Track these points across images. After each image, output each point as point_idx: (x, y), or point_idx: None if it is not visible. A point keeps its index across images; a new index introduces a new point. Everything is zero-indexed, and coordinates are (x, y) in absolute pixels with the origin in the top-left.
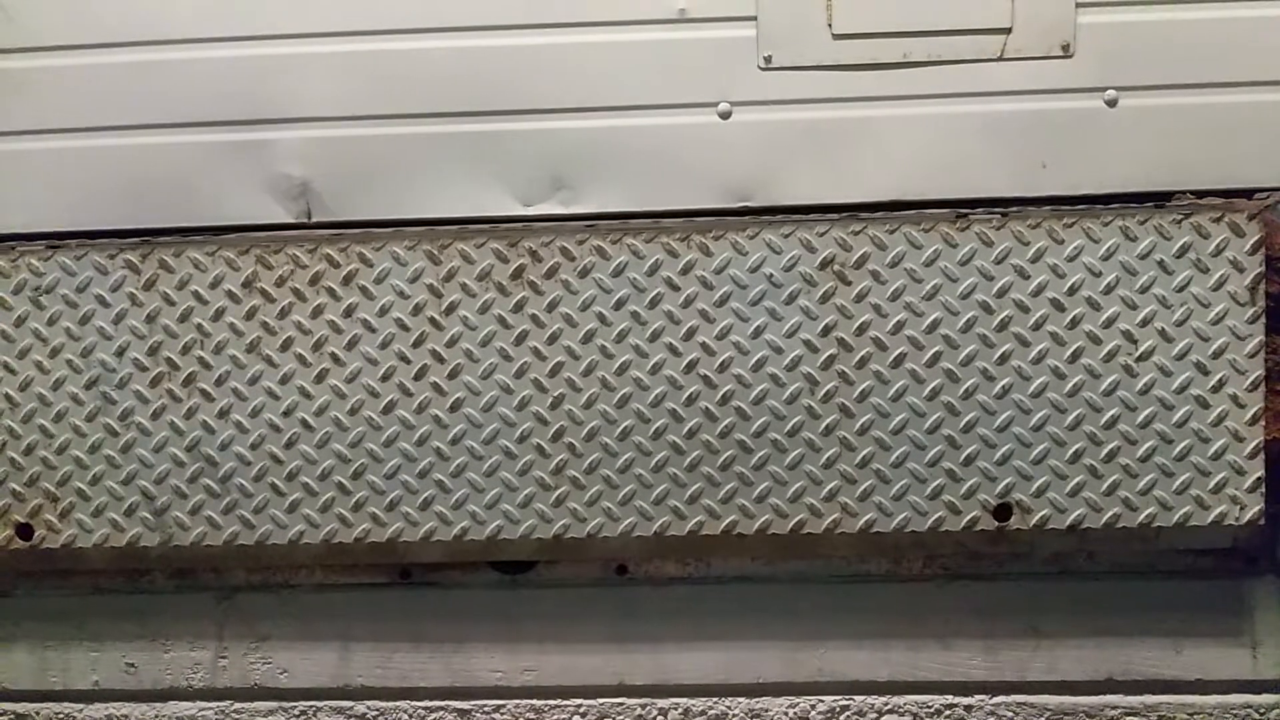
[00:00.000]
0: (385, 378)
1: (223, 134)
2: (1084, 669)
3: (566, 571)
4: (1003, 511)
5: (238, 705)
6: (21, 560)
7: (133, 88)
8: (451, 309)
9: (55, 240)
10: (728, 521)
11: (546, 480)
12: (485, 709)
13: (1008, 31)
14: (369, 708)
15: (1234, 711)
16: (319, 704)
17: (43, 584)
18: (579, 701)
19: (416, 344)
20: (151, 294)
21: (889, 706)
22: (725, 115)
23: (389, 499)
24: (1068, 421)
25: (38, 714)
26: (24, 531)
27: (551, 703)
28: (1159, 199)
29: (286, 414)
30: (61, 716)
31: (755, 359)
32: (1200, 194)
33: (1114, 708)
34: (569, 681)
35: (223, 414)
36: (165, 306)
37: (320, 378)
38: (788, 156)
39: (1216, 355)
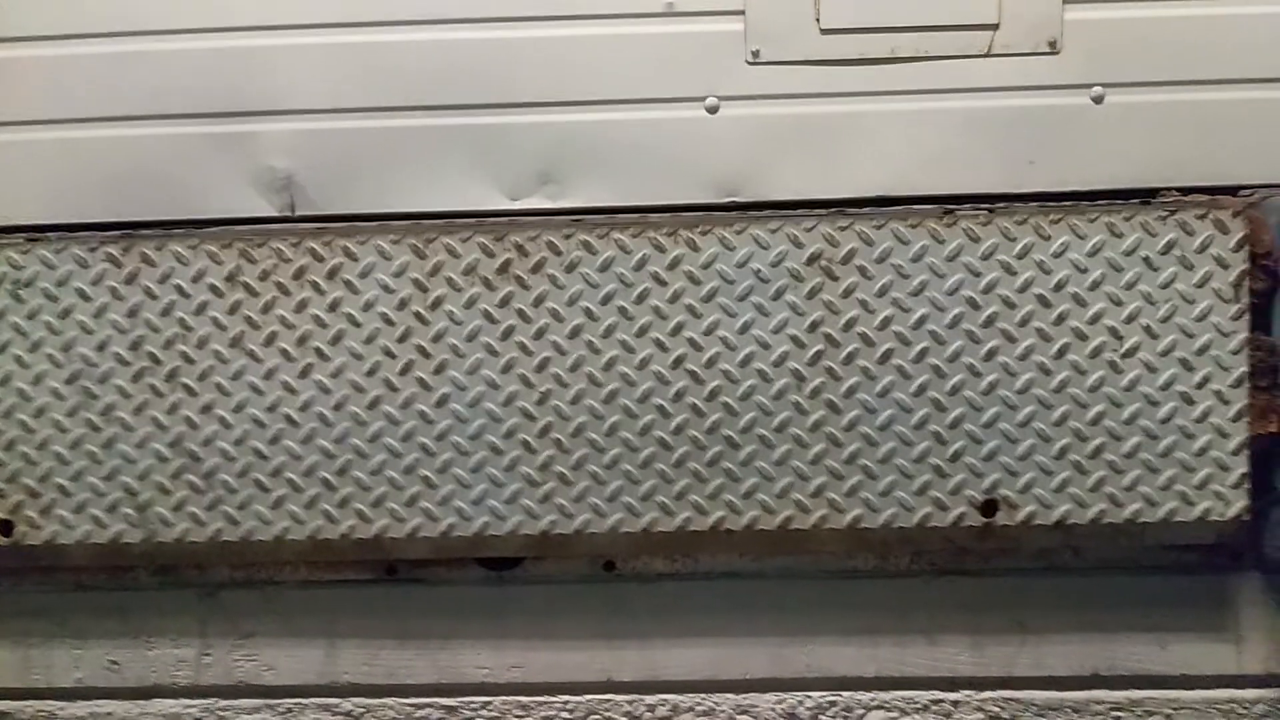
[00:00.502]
0: (370, 373)
1: (205, 126)
2: (1070, 664)
3: (553, 568)
4: (989, 507)
5: (222, 703)
6: (2, 557)
7: (114, 78)
8: (437, 303)
9: (35, 233)
10: (715, 518)
11: (533, 476)
12: (472, 705)
13: (995, 28)
14: (355, 705)
15: (1218, 706)
16: (304, 701)
17: (24, 581)
18: (566, 698)
19: (402, 339)
20: (133, 288)
21: (876, 702)
22: (713, 110)
23: (375, 495)
24: (1054, 417)
25: (20, 712)
26: (5, 528)
27: (539, 699)
28: (1145, 196)
29: (270, 409)
30: (44, 714)
31: (742, 354)
32: (1186, 191)
33: (1100, 703)
34: (556, 678)
35: (206, 409)
36: (147, 300)
37: (305, 373)
38: (775, 151)
39: (1201, 351)
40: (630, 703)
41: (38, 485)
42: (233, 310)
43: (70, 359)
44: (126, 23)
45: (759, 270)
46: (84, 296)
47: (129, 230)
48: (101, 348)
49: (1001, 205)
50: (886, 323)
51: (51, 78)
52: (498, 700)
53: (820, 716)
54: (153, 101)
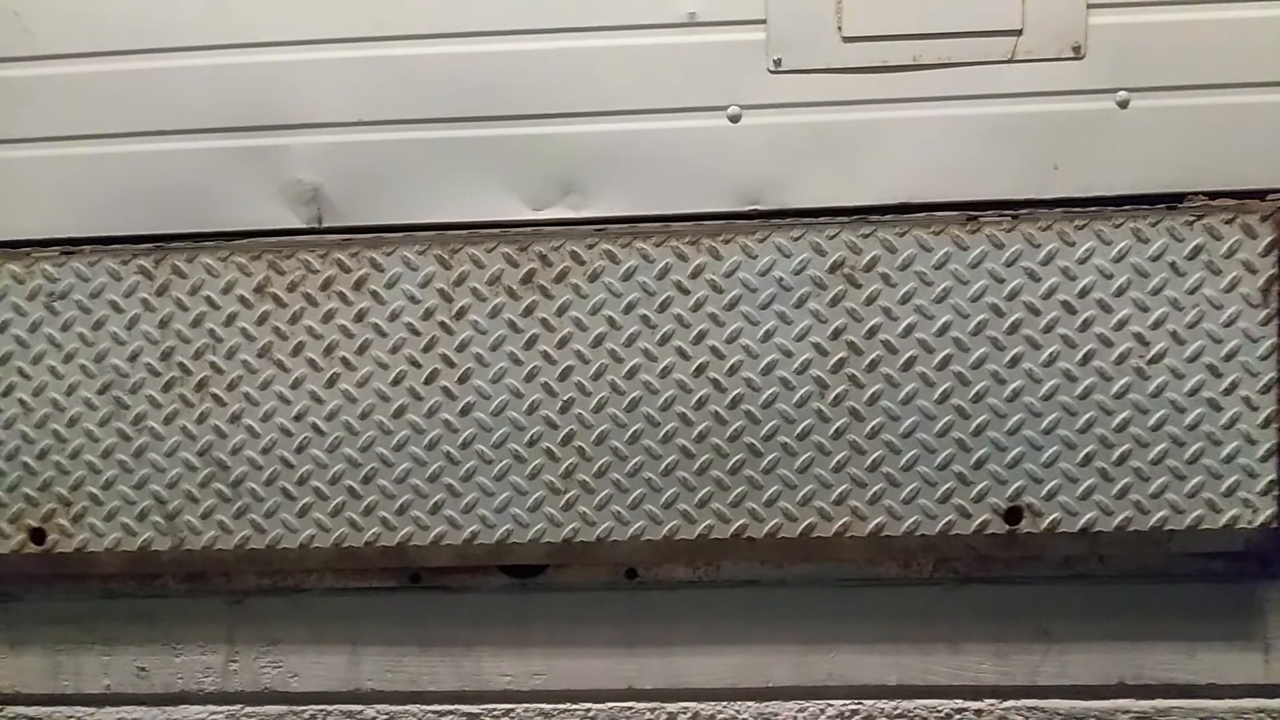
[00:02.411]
0: (396, 382)
1: (235, 140)
2: (1095, 673)
3: (576, 575)
4: (1013, 515)
5: (248, 709)
6: (34, 564)
7: (146, 94)
8: (462, 313)
9: (69, 246)
10: (737, 525)
11: (556, 484)
12: (495, 713)
13: (1018, 33)
14: (379, 711)
15: (1246, 716)
16: (329, 708)
17: (55, 588)
18: (588, 706)
19: (427, 348)
20: (164, 299)
21: (899, 711)
22: (735, 118)
23: (399, 503)
24: (1079, 424)
25: (49, 718)
26: (37, 536)
27: (561, 706)
28: (1171, 200)
29: (298, 418)
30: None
31: (765, 362)
32: (1213, 195)
33: (1125, 712)
34: (578, 685)
35: (234, 419)
36: (178, 312)
37: (331, 382)
38: (797, 159)
39: (1229, 357)
40: (652, 710)
41: (69, 494)
42: (261, 321)
43: (102, 369)
44: (155, 40)
45: (781, 278)
46: (116, 308)
47: (160, 243)
48: (133, 358)
49: (1025, 211)
50: (909, 330)
51: (83, 94)
52: (520, 708)
53: None
54: (182, 116)
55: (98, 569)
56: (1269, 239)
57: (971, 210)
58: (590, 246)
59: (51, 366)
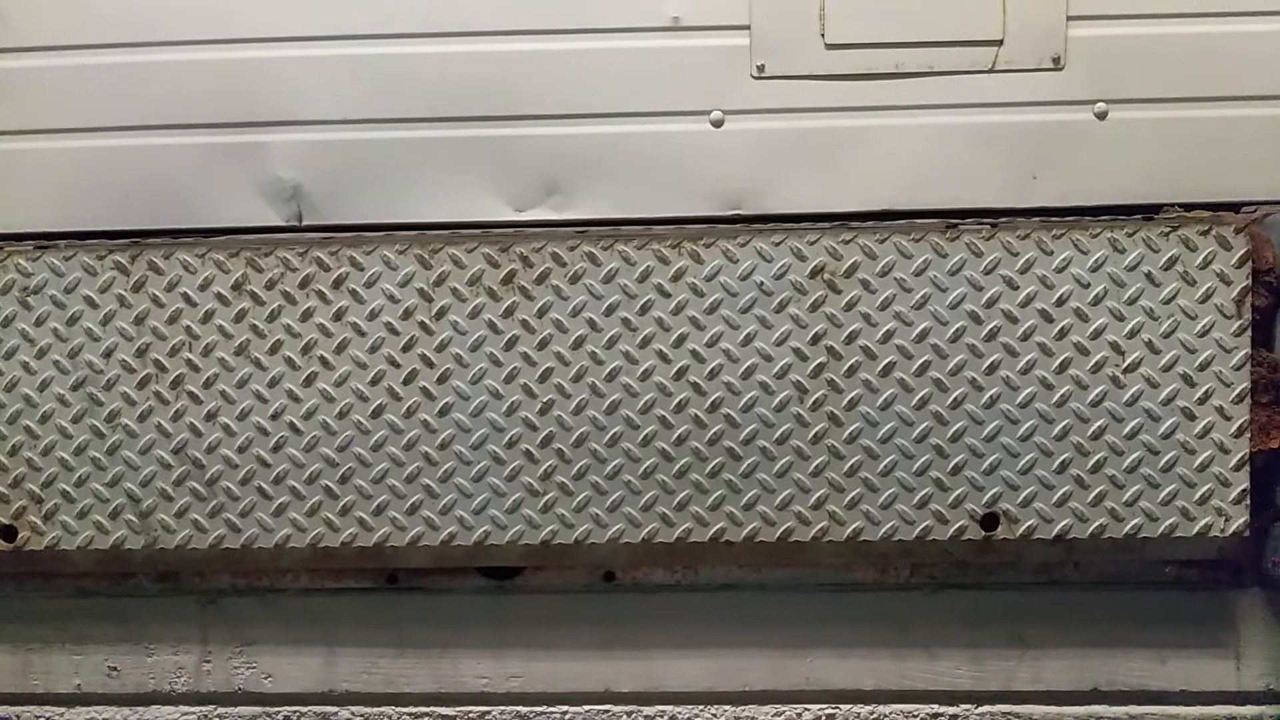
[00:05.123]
0: (374, 382)
1: (214, 136)
2: (1070, 679)
3: (554, 578)
4: (990, 521)
5: (221, 710)
6: (4, 562)
7: (124, 89)
8: (442, 313)
9: (44, 241)
10: (716, 529)
11: (535, 486)
12: (471, 715)
13: (999, 44)
14: (354, 713)
15: None
16: (303, 709)
17: (26, 586)
18: (565, 708)
19: (406, 348)
20: (140, 295)
21: (875, 715)
22: (718, 123)
23: (376, 503)
24: (1055, 432)
25: (19, 717)
26: (8, 533)
27: (538, 709)
28: (1147, 211)
29: (274, 417)
30: (43, 719)
31: (745, 366)
32: (1188, 207)
33: (1099, 718)
34: (556, 688)
35: (210, 417)
36: (154, 308)
37: (309, 381)
38: (779, 165)
39: (1203, 367)
40: (629, 714)
41: (41, 491)
42: (239, 318)
43: (76, 365)
44: (136, 34)
45: (762, 283)
46: (91, 303)
47: (137, 238)
48: (107, 354)
49: (1004, 220)
50: (888, 336)
51: (61, 88)
52: (497, 710)
53: None
54: (161, 112)
55: (69, 567)
56: (1242, 251)
57: (951, 218)
58: (572, 248)
59: (24, 362)
